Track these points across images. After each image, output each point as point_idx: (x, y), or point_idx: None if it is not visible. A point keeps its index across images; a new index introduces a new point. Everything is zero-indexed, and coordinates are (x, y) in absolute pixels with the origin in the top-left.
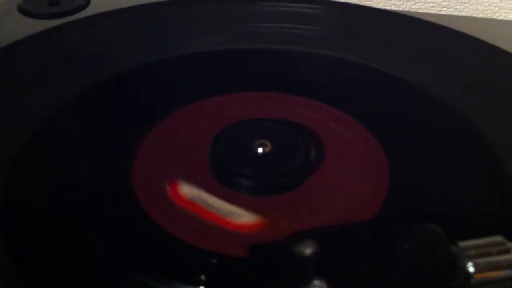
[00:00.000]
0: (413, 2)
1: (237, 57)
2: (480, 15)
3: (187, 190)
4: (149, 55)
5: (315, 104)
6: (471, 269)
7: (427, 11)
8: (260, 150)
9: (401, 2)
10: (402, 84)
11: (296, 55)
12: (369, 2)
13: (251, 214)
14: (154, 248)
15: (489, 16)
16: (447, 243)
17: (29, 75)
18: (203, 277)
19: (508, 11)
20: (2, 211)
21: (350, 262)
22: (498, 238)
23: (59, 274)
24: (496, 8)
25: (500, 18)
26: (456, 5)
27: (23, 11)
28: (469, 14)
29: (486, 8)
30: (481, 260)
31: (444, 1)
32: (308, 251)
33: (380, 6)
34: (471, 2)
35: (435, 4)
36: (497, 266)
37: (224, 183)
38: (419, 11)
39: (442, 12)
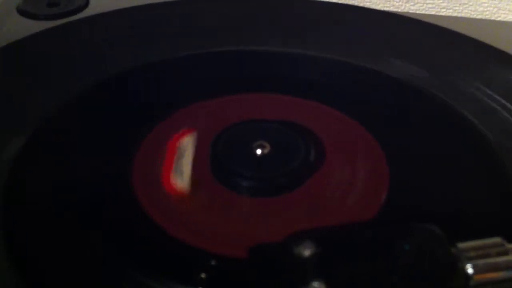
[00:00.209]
0: (412, 3)
1: (238, 58)
2: (479, 16)
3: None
4: (149, 55)
5: (315, 105)
6: (470, 270)
7: (426, 12)
8: (260, 151)
9: (401, 3)
10: (401, 84)
11: (295, 56)
12: (368, 3)
13: None
14: (154, 248)
15: (488, 17)
16: (447, 243)
17: (29, 75)
18: (203, 275)
19: (507, 12)
20: (2, 211)
21: (350, 263)
22: (497, 240)
23: (59, 274)
24: (495, 9)
25: (499, 19)
26: (455, 6)
27: (22, 12)
28: (468, 15)
29: (485, 9)
30: (480, 262)
31: (443, 2)
32: (307, 252)
33: (380, 7)
34: (470, 3)
35: (434, 5)
36: (496, 268)
37: (224, 184)
38: (418, 12)
39: (441, 13)
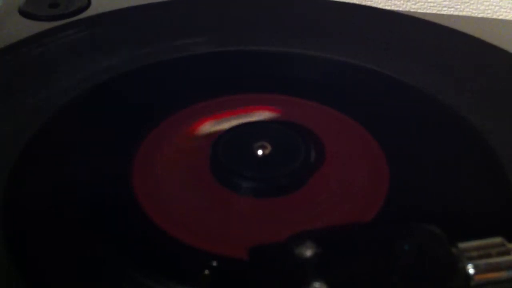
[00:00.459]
0: (413, 2)
1: (238, 58)
2: (480, 15)
3: None
4: (149, 56)
5: (315, 105)
6: (471, 270)
7: (428, 11)
8: (260, 151)
9: (402, 2)
10: (402, 84)
11: (295, 56)
12: (369, 2)
13: None
14: (153, 248)
15: (489, 15)
16: (447, 243)
17: (30, 75)
18: (207, 272)
19: (508, 11)
20: (2, 211)
21: (350, 263)
22: (498, 240)
23: (59, 274)
24: (497, 8)
25: (500, 17)
26: (457, 5)
27: (23, 13)
28: (469, 13)
29: (487, 8)
30: (481, 262)
31: (444, 1)
32: (308, 252)
33: (381, 6)
34: (472, 2)
35: (435, 4)
36: (497, 268)
37: (224, 185)
38: (419, 11)
39: (442, 12)
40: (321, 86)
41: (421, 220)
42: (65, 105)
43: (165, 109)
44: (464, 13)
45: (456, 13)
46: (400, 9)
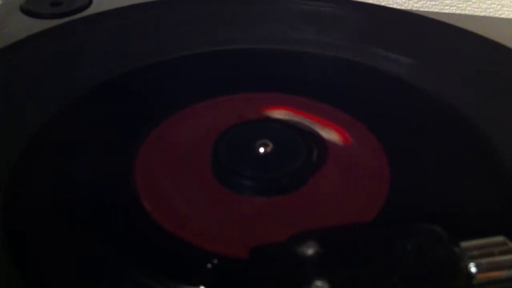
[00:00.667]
0: (415, 0)
1: (239, 58)
2: (482, 13)
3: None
4: (150, 56)
5: (316, 104)
6: (473, 269)
7: (430, 9)
8: (261, 151)
9: (403, 0)
10: (403, 83)
11: (298, 55)
12: (371, 0)
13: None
14: (154, 248)
15: (491, 14)
16: (448, 243)
17: (30, 75)
18: (209, 266)
19: (510, 9)
20: (2, 211)
21: (351, 263)
22: (500, 238)
23: (59, 274)
24: (499, 6)
25: (502, 16)
26: (459, 3)
27: (25, 11)
28: (471, 12)
29: (489, 6)
30: (483, 261)
31: None
32: (309, 251)
33: (383, 4)
34: (474, 0)
35: (437, 2)
36: (499, 267)
37: (225, 184)
38: (421, 9)
39: (444, 10)
40: (322, 86)
41: (422, 220)
42: (65, 105)
43: (165, 109)
44: (466, 12)
45: (458, 11)
46: (402, 7)
